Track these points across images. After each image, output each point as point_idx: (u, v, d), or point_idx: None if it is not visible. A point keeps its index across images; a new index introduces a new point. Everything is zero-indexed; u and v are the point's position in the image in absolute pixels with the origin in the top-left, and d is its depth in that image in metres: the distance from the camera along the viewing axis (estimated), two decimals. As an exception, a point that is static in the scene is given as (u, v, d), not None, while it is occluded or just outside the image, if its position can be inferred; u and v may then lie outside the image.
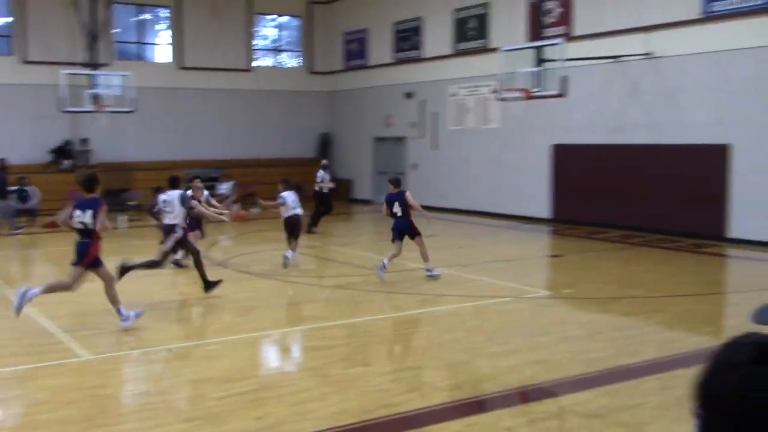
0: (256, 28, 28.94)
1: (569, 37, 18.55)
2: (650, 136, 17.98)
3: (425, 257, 12.76)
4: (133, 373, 8.10)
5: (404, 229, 12.77)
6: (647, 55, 17.86)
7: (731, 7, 16.36)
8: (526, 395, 7.09)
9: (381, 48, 26.83)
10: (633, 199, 18.32)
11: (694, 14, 17.03)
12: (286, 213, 14.09)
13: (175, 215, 11.29)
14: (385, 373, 7.64)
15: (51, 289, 9.24)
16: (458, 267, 14.10)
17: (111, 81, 22.14)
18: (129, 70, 22.84)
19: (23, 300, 8.96)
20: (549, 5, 20.00)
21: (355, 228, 19.61)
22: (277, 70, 29.63)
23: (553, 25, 20.01)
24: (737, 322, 9.94)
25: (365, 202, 27.54)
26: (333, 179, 20.32)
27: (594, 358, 8.07)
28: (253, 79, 28.30)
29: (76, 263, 9.11)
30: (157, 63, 27.31)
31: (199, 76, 27.10)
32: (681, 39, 17.27)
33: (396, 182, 13.19)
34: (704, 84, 16.94)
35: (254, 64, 28.63)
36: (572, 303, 11.19)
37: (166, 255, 11.38)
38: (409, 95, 25.44)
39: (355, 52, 28.24)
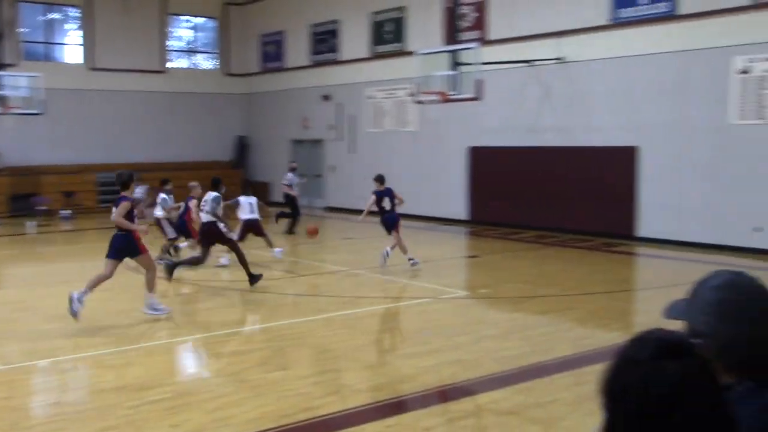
0: (170, 29, 28.39)
1: (484, 42, 18.87)
2: (562, 139, 18.45)
3: (404, 249, 13.74)
4: (44, 384, 7.83)
5: (391, 223, 13.76)
6: (559, 60, 18.32)
7: (637, 14, 16.94)
8: (445, 395, 7.17)
9: (298, 50, 26.71)
10: (547, 201, 18.76)
11: (603, 21, 17.56)
12: (244, 215, 14.70)
13: (207, 215, 12.30)
14: (305, 377, 7.61)
15: (152, 286, 9.99)
16: (377, 269, 14.14)
17: (18, 82, 21.41)
18: (37, 70, 22.12)
19: (153, 307, 9.91)
20: (464, 10, 20.31)
21: (273, 231, 19.44)
22: (192, 71, 29.15)
23: (468, 29, 20.32)
24: (646, 319, 10.29)
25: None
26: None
27: (510, 356, 8.22)
28: (167, 80, 27.75)
29: (115, 257, 9.85)
30: (67, 64, 26.49)
31: (112, 78, 26.41)
32: (590, 44, 17.79)
33: (381, 179, 14.12)
34: (612, 88, 17.48)
35: (169, 65, 28.09)
36: (489, 303, 11.37)
37: (237, 244, 12.59)
38: (326, 98, 25.42)
39: (272, 54, 28.04)
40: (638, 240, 17.00)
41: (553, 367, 7.85)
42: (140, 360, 8.19)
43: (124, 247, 9.84)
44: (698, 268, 13.17)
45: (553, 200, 18.64)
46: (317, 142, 26.10)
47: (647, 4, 16.73)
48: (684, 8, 16.11)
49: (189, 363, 8.87)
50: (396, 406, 6.84)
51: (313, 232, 16.05)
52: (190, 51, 29.60)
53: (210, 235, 12.26)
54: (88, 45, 26.22)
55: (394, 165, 22.84)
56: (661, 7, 16.49)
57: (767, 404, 1.81)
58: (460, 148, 20.88)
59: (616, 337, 9.03)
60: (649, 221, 16.98)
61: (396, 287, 12.43)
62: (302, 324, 10.01)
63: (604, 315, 10.41)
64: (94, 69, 26.22)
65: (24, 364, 8.25)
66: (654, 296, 11.62)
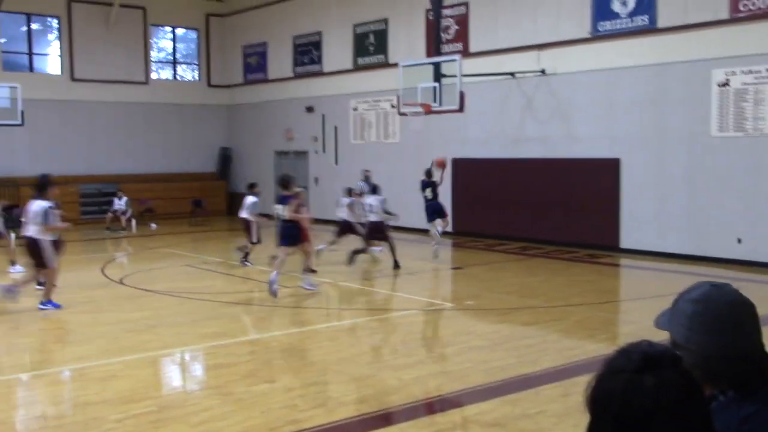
0: (152, 40, 28.31)
1: (466, 54, 18.97)
2: (545, 151, 18.55)
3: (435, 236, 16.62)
4: (27, 397, 7.76)
5: (438, 209, 16.77)
6: (541, 72, 18.44)
7: (617, 27, 17.10)
8: (431, 406, 7.17)
9: (281, 61, 26.71)
10: (530, 212, 18.83)
11: (584, 34, 17.71)
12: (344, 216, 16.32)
13: (375, 215, 15.11)
14: (290, 389, 7.58)
15: (308, 267, 12.77)
16: (363, 280, 14.15)
17: (-3, 93, 21.27)
18: (17, 81, 21.95)
19: (273, 285, 11.77)
20: (446, 22, 20.40)
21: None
22: (174, 83, 29.06)
23: (451, 41, 20.42)
24: (631, 329, 10.35)
25: (267, 216, 27.26)
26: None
27: (496, 367, 8.23)
28: (149, 91, 27.65)
29: (288, 245, 12.50)
30: (48, 74, 26.33)
31: (93, 89, 26.27)
32: (571, 57, 17.93)
33: (428, 173, 16.91)
34: (593, 100, 17.61)
35: (151, 76, 27.99)
36: (474, 314, 11.39)
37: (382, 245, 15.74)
38: (310, 109, 25.42)
39: (255, 65, 28.03)
40: (622, 251, 17.09)
41: (540, 379, 7.86)
42: (125, 373, 8.13)
43: (295, 234, 12.41)
44: (681, 279, 13.29)
45: (536, 211, 18.72)
46: (301, 154, 26.09)
47: (627, 18, 16.90)
48: (663, 22, 16.28)
49: (174, 376, 8.82)
50: (382, 419, 6.83)
51: (442, 164, 17.15)
52: (173, 62, 29.53)
53: (378, 231, 15.11)
54: (69, 56, 26.09)
55: (378, 177, 22.81)
56: (641, 21, 16.66)
57: (747, 416, 1.82)
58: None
59: (602, 348, 9.08)
60: (631, 232, 17.08)
61: (381, 299, 12.43)
62: (288, 336, 9.99)
63: (589, 326, 10.44)
64: (75, 80, 26.09)
65: (7, 378, 8.17)
66: (638, 307, 11.70)
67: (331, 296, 13.07)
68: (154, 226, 23.94)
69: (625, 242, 17.17)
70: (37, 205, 11.37)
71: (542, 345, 9.28)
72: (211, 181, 28.52)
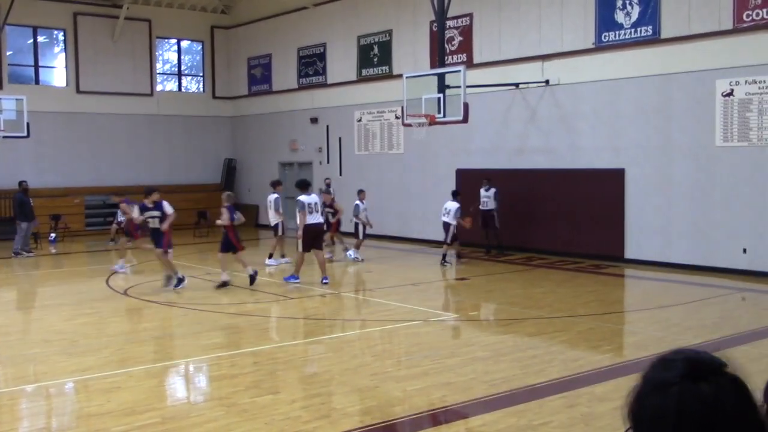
0: (157, 52, 28.43)
1: (470, 65, 19.00)
2: (549, 161, 18.55)
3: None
4: (30, 409, 7.75)
5: None
6: (544, 83, 18.45)
7: (621, 38, 17.12)
8: (435, 418, 7.14)
9: (285, 73, 26.79)
10: (534, 222, 18.81)
11: (588, 44, 17.73)
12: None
13: (450, 218, 17.18)
14: (294, 401, 7.56)
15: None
16: (367, 291, 14.13)
17: (3, 105, 21.34)
18: (23, 94, 22.08)
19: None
20: (450, 33, 20.45)
21: (262, 254, 19.42)
22: (179, 94, 29.15)
23: (455, 52, 20.46)
24: (636, 340, 10.32)
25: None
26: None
27: (500, 378, 8.20)
28: (155, 103, 27.74)
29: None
30: (53, 87, 26.45)
31: (98, 101, 26.38)
32: (575, 68, 17.95)
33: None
34: (597, 111, 17.62)
35: (156, 88, 28.09)
36: (478, 325, 11.36)
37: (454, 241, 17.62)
38: (314, 120, 25.47)
39: (259, 77, 28.11)
40: (626, 261, 17.05)
41: (545, 390, 7.82)
42: (129, 384, 8.12)
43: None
44: (686, 290, 13.22)
45: (540, 222, 18.70)
46: (306, 165, 26.12)
47: (630, 28, 16.92)
48: (667, 32, 16.29)
49: (177, 387, 8.80)
50: (386, 430, 6.80)
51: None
52: (178, 74, 29.62)
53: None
54: (74, 68, 26.20)
55: (382, 187, 22.88)
56: (644, 32, 16.67)
57: None
58: (448, 170, 20.94)
59: (607, 359, 9.05)
60: (636, 243, 17.05)
61: (385, 310, 12.40)
62: (291, 347, 9.97)
63: (594, 337, 10.40)
64: (81, 92, 26.18)
65: (10, 389, 8.17)
66: (643, 318, 11.66)
67: (335, 307, 13.06)
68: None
69: (630, 252, 17.13)
70: (312, 198, 14.36)
71: (546, 356, 9.24)
72: (216, 192, 28.44)
